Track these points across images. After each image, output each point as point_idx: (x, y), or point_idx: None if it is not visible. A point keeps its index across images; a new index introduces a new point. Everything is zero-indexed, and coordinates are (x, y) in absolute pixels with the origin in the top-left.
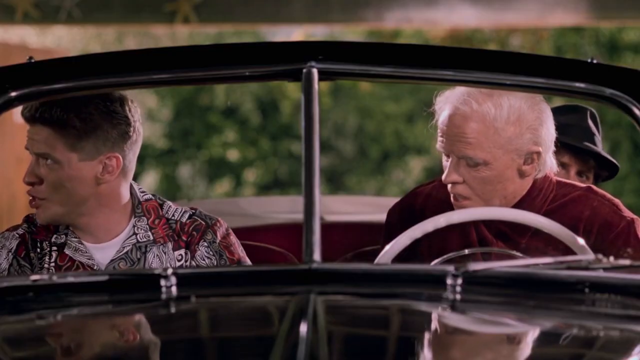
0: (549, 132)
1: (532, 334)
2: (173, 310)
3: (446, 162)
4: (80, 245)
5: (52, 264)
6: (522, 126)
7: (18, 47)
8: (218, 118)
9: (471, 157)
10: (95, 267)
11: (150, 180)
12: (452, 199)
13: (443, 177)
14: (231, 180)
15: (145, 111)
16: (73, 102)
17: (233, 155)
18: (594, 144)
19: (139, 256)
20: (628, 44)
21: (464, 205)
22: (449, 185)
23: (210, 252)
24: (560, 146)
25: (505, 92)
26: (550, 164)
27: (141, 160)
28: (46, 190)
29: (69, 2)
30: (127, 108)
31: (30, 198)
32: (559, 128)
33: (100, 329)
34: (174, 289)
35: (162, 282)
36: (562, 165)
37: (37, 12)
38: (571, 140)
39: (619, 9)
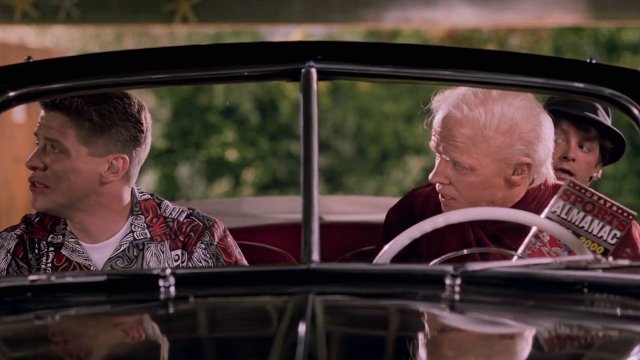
0: (545, 145)
1: (531, 334)
2: (171, 310)
3: (437, 161)
4: (77, 246)
5: (49, 265)
6: (513, 136)
7: (17, 47)
8: (217, 118)
9: (458, 161)
10: (92, 268)
11: (149, 180)
12: (439, 196)
13: (430, 175)
14: (230, 180)
15: None
16: (93, 96)
17: (232, 155)
18: (597, 115)
19: (136, 254)
20: (627, 44)
21: (450, 203)
22: (437, 184)
23: (208, 255)
24: (561, 116)
25: (500, 99)
26: (545, 174)
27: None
28: (48, 179)
29: (68, 2)
30: (143, 115)
31: (30, 184)
32: (561, 103)
33: (98, 329)
34: (172, 289)
35: (161, 283)
36: (562, 132)
37: (36, 12)
38: (572, 110)
39: (618, 9)
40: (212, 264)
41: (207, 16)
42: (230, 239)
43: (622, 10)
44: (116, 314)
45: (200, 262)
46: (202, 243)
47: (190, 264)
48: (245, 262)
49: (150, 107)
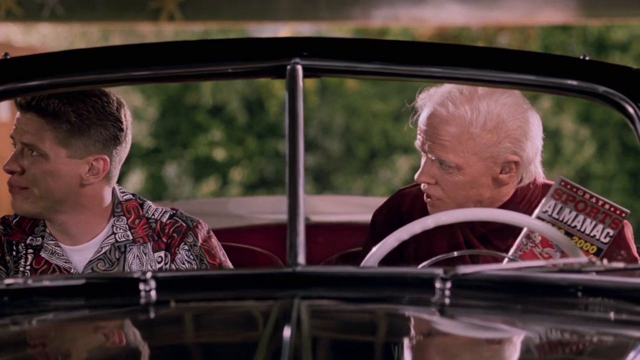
0: (533, 143)
1: (523, 339)
2: (152, 315)
3: (423, 161)
4: (56, 248)
5: (28, 268)
6: (500, 134)
7: (2, 45)
8: (204, 117)
9: (444, 160)
10: (72, 271)
11: (136, 180)
12: (424, 197)
13: (416, 175)
14: (217, 180)
15: (131, 110)
16: (70, 96)
17: (219, 154)
18: None
19: (117, 256)
20: (616, 42)
21: (436, 204)
22: (422, 185)
23: (191, 257)
24: None
25: (486, 96)
26: (534, 173)
27: (127, 159)
28: (27, 182)
29: (52, 0)
30: (122, 113)
31: (9, 187)
32: None
33: (76, 334)
34: (153, 293)
35: (141, 286)
36: None
37: (20, 9)
38: None
39: (608, 7)
40: (195, 266)
41: (193, 14)
42: (214, 240)
43: (611, 8)
44: (95, 319)
45: (184, 263)
46: (185, 244)
47: (173, 266)
48: (229, 263)
49: (137, 106)
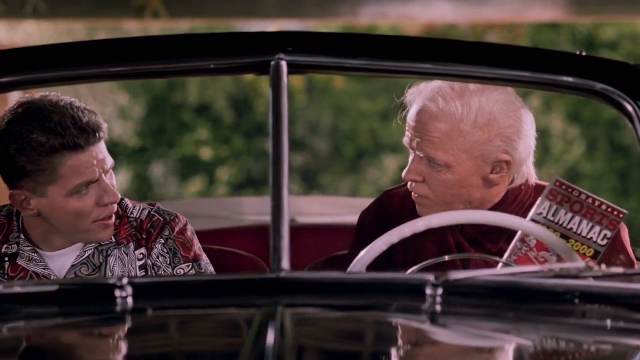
0: (526, 142)
1: (517, 348)
2: (128, 323)
3: (411, 158)
4: (33, 254)
5: (6, 278)
6: (491, 132)
7: None
8: (190, 116)
9: (433, 158)
10: (52, 277)
11: (122, 180)
12: (412, 195)
13: (403, 173)
14: (204, 179)
15: (116, 109)
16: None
17: (206, 153)
18: None
19: (101, 260)
20: (605, 41)
21: (423, 202)
22: (409, 183)
23: (165, 250)
24: None
25: (478, 93)
26: (527, 174)
27: (113, 158)
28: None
29: None
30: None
31: None
32: None
33: (49, 343)
34: (130, 300)
35: (117, 293)
36: None
37: (2, 6)
38: None
39: (597, 5)
40: (169, 259)
41: (179, 11)
42: (190, 234)
43: (601, 6)
44: (68, 327)
45: (159, 257)
46: (161, 238)
47: (150, 261)
48: (205, 257)
49: (123, 104)
